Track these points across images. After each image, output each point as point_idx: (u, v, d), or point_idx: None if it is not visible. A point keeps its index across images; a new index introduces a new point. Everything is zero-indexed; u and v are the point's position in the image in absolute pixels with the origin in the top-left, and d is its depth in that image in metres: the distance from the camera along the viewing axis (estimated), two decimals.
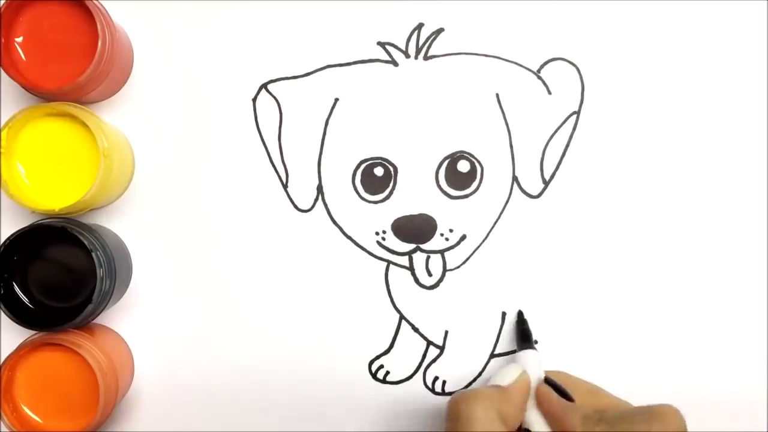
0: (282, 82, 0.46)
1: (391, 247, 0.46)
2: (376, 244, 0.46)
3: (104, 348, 0.43)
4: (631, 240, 0.46)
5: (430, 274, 0.46)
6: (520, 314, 0.46)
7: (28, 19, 0.42)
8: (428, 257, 0.46)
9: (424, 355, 0.47)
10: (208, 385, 0.46)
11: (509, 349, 0.46)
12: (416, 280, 0.46)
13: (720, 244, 0.46)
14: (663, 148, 0.46)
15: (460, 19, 0.46)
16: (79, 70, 0.41)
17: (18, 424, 0.42)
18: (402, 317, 0.46)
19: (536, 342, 0.46)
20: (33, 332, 0.43)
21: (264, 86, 0.46)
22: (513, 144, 0.46)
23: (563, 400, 0.39)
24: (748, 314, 0.46)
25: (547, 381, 0.40)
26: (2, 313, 0.43)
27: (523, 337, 0.44)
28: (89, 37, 0.42)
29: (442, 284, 0.46)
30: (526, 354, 0.42)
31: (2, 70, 0.42)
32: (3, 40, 0.42)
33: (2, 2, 0.41)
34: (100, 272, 0.41)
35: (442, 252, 0.46)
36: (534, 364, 0.41)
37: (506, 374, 0.40)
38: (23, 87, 0.42)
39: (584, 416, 0.38)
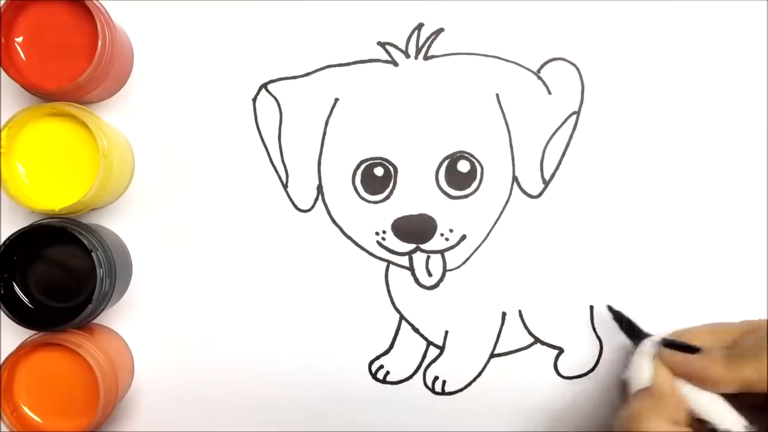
0: (282, 82, 0.46)
1: (391, 247, 0.46)
2: (376, 244, 0.46)
3: (104, 348, 0.43)
4: (631, 240, 0.46)
5: (430, 274, 0.46)
6: (614, 312, 0.44)
7: (28, 19, 0.42)
8: (428, 257, 0.46)
9: (424, 355, 0.47)
10: (208, 385, 0.47)
11: (509, 349, 0.46)
12: (416, 280, 0.46)
13: (720, 243, 0.46)
14: (663, 148, 0.46)
15: (460, 19, 0.46)
16: (79, 70, 0.41)
17: (18, 424, 0.42)
18: (402, 317, 0.46)
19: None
20: (33, 332, 0.43)
21: (264, 86, 0.46)
22: (513, 144, 0.46)
23: (696, 356, 0.38)
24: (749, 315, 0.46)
25: (666, 344, 0.39)
26: (2, 313, 0.43)
27: (632, 332, 0.43)
28: (89, 37, 0.42)
29: (442, 284, 0.46)
30: (646, 344, 0.41)
31: (2, 70, 0.42)
32: (3, 40, 0.42)
33: (2, 2, 0.41)
34: (100, 272, 0.41)
35: (442, 252, 0.46)
36: (653, 351, 0.40)
37: (642, 371, 0.39)
38: (23, 87, 0.42)
39: (724, 357, 0.37)
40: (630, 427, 0.37)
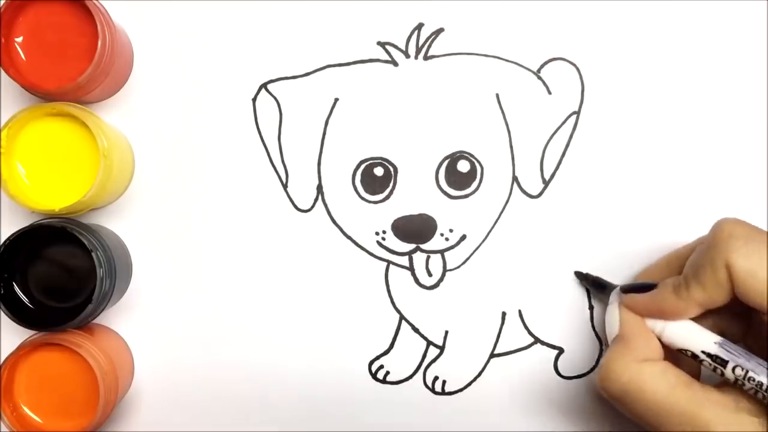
0: (282, 81, 0.46)
1: (391, 247, 0.46)
2: (376, 244, 0.46)
3: (104, 348, 0.43)
4: (631, 240, 0.46)
5: (430, 274, 0.46)
6: (579, 274, 0.45)
7: (28, 19, 0.42)
8: (428, 257, 0.46)
9: (424, 355, 0.47)
10: (208, 385, 0.47)
11: (509, 349, 0.46)
12: (416, 280, 0.46)
13: None
14: (663, 148, 0.46)
15: (460, 19, 0.46)
16: (79, 70, 0.41)
17: (18, 424, 0.42)
18: (402, 317, 0.46)
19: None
20: (33, 332, 0.43)
21: (264, 86, 0.46)
22: (513, 144, 0.46)
23: (649, 293, 0.38)
24: None
25: (624, 290, 0.40)
26: (2, 313, 0.43)
27: (597, 287, 0.44)
28: (89, 37, 0.42)
29: (442, 284, 0.46)
30: (612, 296, 0.41)
31: (2, 70, 0.42)
32: (3, 40, 0.42)
33: (2, 2, 0.41)
34: (100, 272, 0.41)
35: (442, 252, 0.46)
36: (618, 300, 0.40)
37: (611, 323, 0.40)
38: (23, 87, 0.42)
39: (674, 286, 0.37)
40: (602, 380, 0.38)
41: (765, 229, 0.36)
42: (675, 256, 0.42)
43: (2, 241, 0.42)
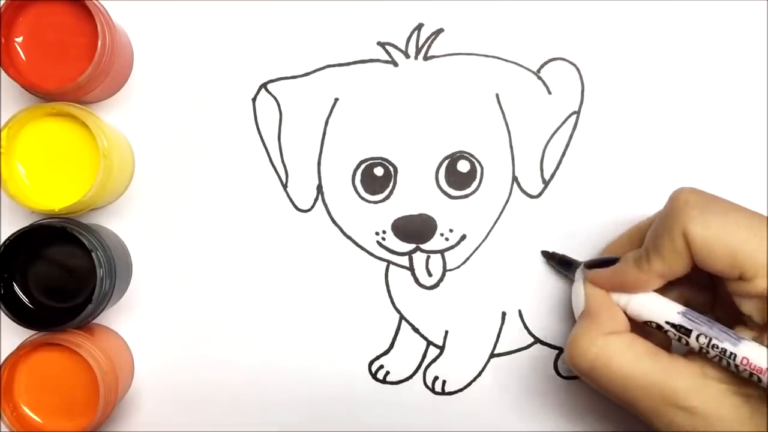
0: (282, 81, 0.46)
1: (391, 247, 0.46)
2: (376, 244, 0.46)
3: (104, 348, 0.43)
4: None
5: (430, 274, 0.46)
6: (545, 254, 0.45)
7: (28, 19, 0.42)
8: (428, 257, 0.46)
9: (424, 355, 0.47)
10: (208, 385, 0.47)
11: (509, 349, 0.46)
12: (416, 280, 0.46)
13: None
14: (663, 148, 0.46)
15: (460, 19, 0.46)
16: (79, 70, 0.41)
17: (18, 424, 0.42)
18: (402, 317, 0.46)
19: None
20: (33, 332, 0.43)
21: (264, 86, 0.46)
22: (513, 144, 0.46)
23: (611, 268, 0.38)
24: None
25: (588, 266, 0.40)
26: (2, 313, 0.43)
27: (564, 265, 0.44)
28: (89, 37, 0.42)
29: (442, 284, 0.46)
30: (577, 273, 0.42)
31: (2, 70, 0.42)
32: (3, 40, 0.42)
33: (2, 2, 0.41)
34: (100, 272, 0.41)
35: (442, 252, 0.46)
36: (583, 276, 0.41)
37: (577, 299, 0.40)
38: (23, 87, 0.42)
39: (635, 259, 0.37)
40: (569, 356, 0.38)
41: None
42: (636, 230, 0.42)
43: (2, 241, 0.42)
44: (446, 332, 0.46)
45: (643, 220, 0.42)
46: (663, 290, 0.38)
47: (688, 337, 0.36)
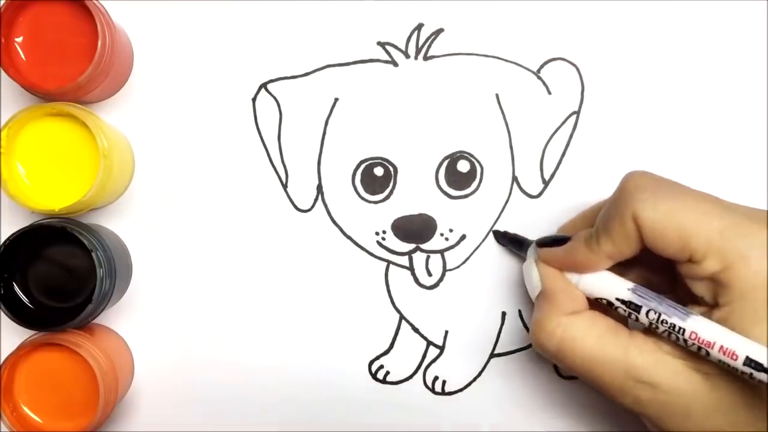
0: (282, 81, 0.46)
1: (390, 247, 0.46)
2: (376, 244, 0.46)
3: (104, 348, 0.43)
4: None
5: (430, 274, 0.46)
6: (496, 233, 0.46)
7: (28, 19, 0.42)
8: (428, 257, 0.46)
9: (424, 355, 0.47)
10: (208, 385, 0.47)
11: (509, 349, 0.46)
12: (416, 280, 0.46)
13: None
14: (663, 148, 0.46)
15: (460, 19, 0.46)
16: (79, 70, 0.41)
17: (18, 424, 0.42)
18: (402, 317, 0.46)
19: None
20: (33, 332, 0.43)
21: (263, 86, 0.46)
22: (513, 144, 0.46)
23: (563, 247, 0.39)
24: None
25: (539, 244, 0.40)
26: (2, 313, 0.43)
27: (516, 244, 0.44)
28: (89, 37, 0.42)
29: (442, 284, 0.46)
30: (529, 252, 0.42)
31: (2, 70, 0.42)
32: (3, 40, 0.42)
33: (2, 2, 0.41)
34: (100, 272, 0.41)
35: (442, 252, 0.46)
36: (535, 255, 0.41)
37: (531, 279, 0.40)
38: (23, 87, 0.42)
39: (585, 239, 0.38)
40: (535, 339, 0.38)
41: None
42: (590, 211, 0.42)
43: (2, 241, 0.42)
44: (446, 332, 0.46)
45: (598, 202, 0.42)
46: (622, 271, 0.38)
47: (638, 313, 0.36)
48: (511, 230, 0.46)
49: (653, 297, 0.36)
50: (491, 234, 0.46)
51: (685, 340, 0.35)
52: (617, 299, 0.37)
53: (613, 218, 0.36)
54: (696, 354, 0.35)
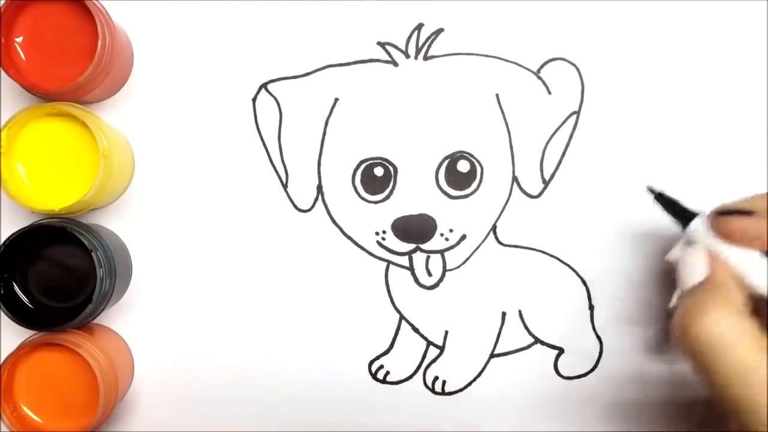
0: (282, 81, 0.46)
1: (391, 247, 0.46)
2: (376, 244, 0.46)
3: (104, 348, 0.43)
4: (630, 240, 0.46)
5: (430, 274, 0.46)
6: (652, 191, 0.39)
7: (28, 19, 0.42)
8: (428, 257, 0.46)
9: (424, 355, 0.47)
10: (208, 385, 0.46)
11: (509, 349, 0.46)
12: (416, 280, 0.46)
13: None
14: (663, 148, 0.46)
15: (460, 19, 0.46)
16: (79, 70, 0.41)
17: (18, 424, 0.42)
18: (402, 317, 0.46)
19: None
20: (33, 332, 0.43)
21: (264, 86, 0.46)
22: (513, 144, 0.46)
23: (750, 218, 0.34)
24: None
25: (719, 212, 0.35)
26: (2, 313, 0.43)
27: (679, 213, 0.38)
28: (89, 37, 0.42)
29: (442, 284, 0.46)
30: (695, 224, 0.36)
31: (2, 70, 0.42)
32: (3, 40, 0.42)
33: (2, 2, 0.41)
34: (100, 272, 0.41)
35: (442, 252, 0.46)
36: (705, 231, 0.35)
37: (694, 263, 0.35)
38: (23, 87, 0.42)
39: None
40: (686, 323, 0.33)
41: None
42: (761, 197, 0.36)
43: (2, 241, 0.42)
44: (446, 332, 0.46)
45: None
46: None
47: None
48: (515, 233, 0.46)
49: None
50: (492, 234, 0.46)
51: None
52: None
53: None
54: None
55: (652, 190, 0.39)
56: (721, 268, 0.35)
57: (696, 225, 0.36)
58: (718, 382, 0.32)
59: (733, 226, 0.34)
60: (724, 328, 0.32)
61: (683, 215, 0.37)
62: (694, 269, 0.35)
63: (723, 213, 0.35)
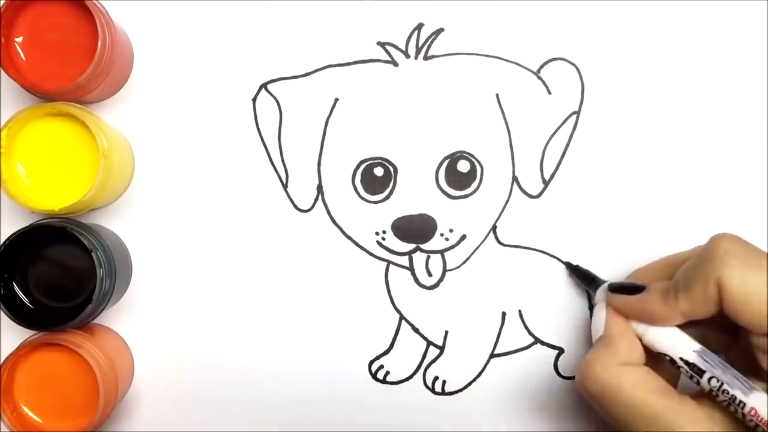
0: (282, 81, 0.46)
1: (391, 247, 0.46)
2: (376, 244, 0.46)
3: (104, 348, 0.43)
4: (630, 240, 0.46)
5: (430, 274, 0.46)
6: (569, 266, 0.45)
7: (28, 19, 0.42)
8: (428, 257, 0.46)
9: (424, 355, 0.47)
10: (208, 385, 0.47)
11: (509, 349, 0.46)
12: (416, 280, 0.46)
13: None
14: (663, 148, 0.46)
15: (460, 19, 0.46)
16: (79, 70, 0.41)
17: (18, 424, 0.42)
18: (402, 317, 0.46)
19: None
20: (33, 332, 0.43)
21: (264, 86, 0.46)
22: (513, 144, 0.46)
23: (637, 296, 0.38)
24: None
25: (612, 289, 0.40)
26: (2, 313, 0.43)
27: (588, 280, 0.44)
28: (89, 37, 0.42)
29: (442, 284, 0.46)
30: (599, 293, 0.41)
31: (2, 70, 0.42)
32: (3, 40, 0.42)
33: (2, 2, 0.41)
34: (100, 272, 0.41)
35: (442, 252, 0.46)
36: (605, 298, 0.40)
37: (597, 321, 0.39)
38: (23, 87, 0.42)
39: (662, 293, 0.37)
40: (581, 378, 0.38)
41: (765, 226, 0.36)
42: (667, 262, 0.41)
43: (2, 241, 0.42)
44: (446, 332, 0.46)
45: (677, 252, 0.41)
46: (682, 324, 0.38)
47: (700, 377, 0.36)
48: (515, 232, 0.46)
49: (718, 364, 0.36)
50: (492, 234, 0.46)
51: (743, 414, 0.34)
52: (681, 359, 0.37)
53: (697, 279, 0.35)
54: (748, 427, 0.34)
55: (569, 264, 0.45)
56: (616, 325, 0.39)
57: (599, 292, 0.41)
58: (614, 424, 0.37)
59: (618, 304, 0.39)
60: (610, 379, 0.37)
61: (594, 283, 0.43)
62: (597, 327, 0.40)
63: (616, 290, 0.40)
